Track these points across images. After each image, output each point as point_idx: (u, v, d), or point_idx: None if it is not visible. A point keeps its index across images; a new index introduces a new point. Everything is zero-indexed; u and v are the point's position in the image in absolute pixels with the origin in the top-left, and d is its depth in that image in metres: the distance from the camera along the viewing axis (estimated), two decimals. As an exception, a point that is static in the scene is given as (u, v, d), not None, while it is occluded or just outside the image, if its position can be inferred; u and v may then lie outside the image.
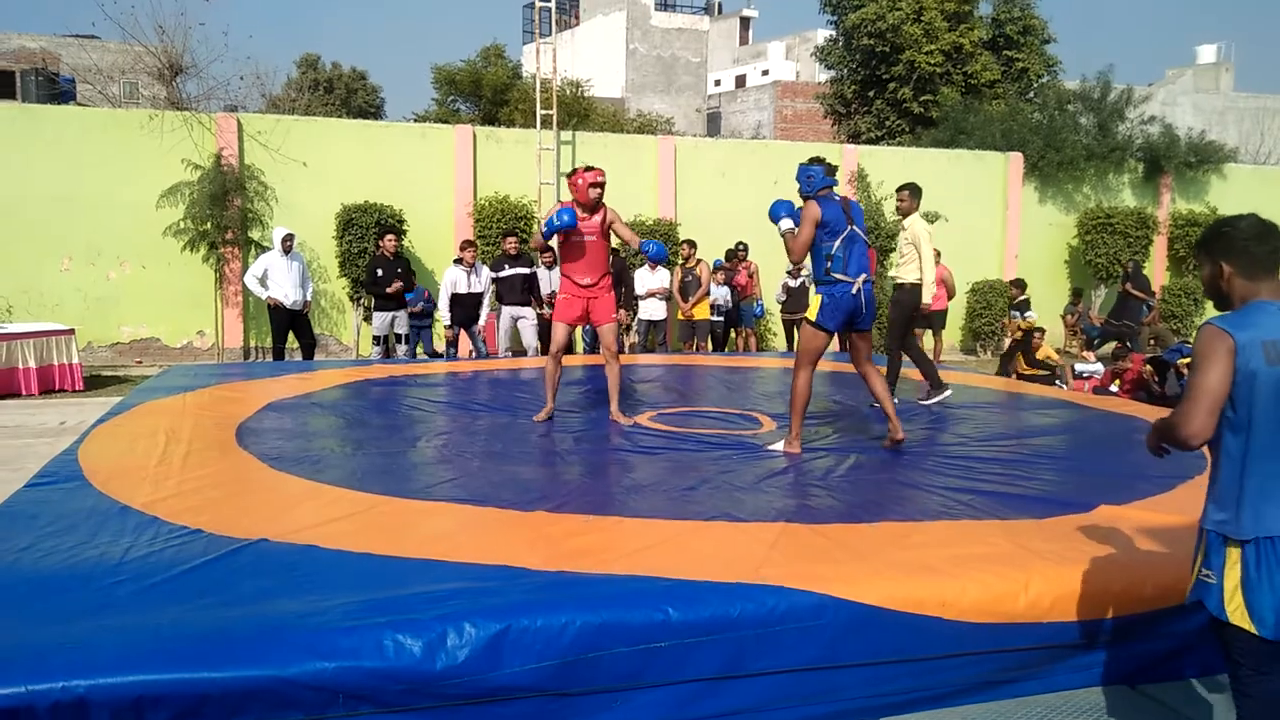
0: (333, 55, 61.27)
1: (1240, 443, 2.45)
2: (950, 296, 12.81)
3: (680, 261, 12.00)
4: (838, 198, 5.54)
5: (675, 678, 2.93)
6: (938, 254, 12.77)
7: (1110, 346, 13.23)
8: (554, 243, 7.01)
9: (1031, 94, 20.67)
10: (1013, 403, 7.73)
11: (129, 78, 21.39)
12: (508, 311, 10.52)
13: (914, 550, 3.54)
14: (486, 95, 26.26)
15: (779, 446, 5.53)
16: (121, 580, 3.14)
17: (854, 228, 5.46)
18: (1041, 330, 11.34)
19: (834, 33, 23.12)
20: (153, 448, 5.19)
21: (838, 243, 5.38)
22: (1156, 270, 16.58)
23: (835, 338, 5.83)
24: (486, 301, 10.36)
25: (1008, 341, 12.61)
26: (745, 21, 46.22)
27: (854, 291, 5.40)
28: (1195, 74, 33.49)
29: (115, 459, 4.94)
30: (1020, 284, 13.12)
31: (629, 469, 5.08)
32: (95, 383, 10.91)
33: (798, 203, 5.62)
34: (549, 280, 10.37)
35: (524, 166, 13.76)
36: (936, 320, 12.29)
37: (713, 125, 36.09)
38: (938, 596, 3.15)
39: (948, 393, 7.31)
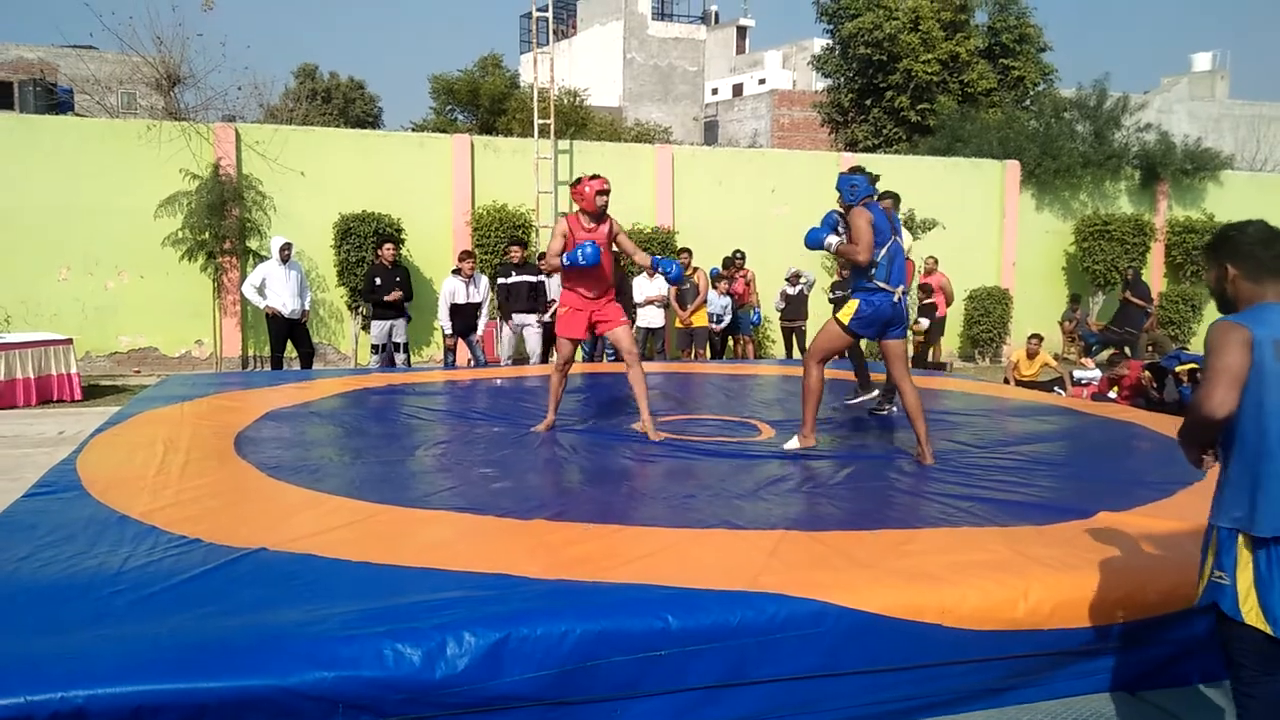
0: (330, 65, 61.45)
1: (1255, 438, 2.45)
2: (949, 303, 12.84)
3: (678, 269, 11.97)
4: (880, 208, 5.51)
5: (675, 686, 2.93)
6: (935, 261, 12.94)
7: (1106, 353, 13.23)
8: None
9: (1028, 102, 20.70)
10: (1011, 410, 7.73)
11: (127, 88, 21.40)
12: (513, 319, 10.49)
13: (914, 557, 3.54)
14: (484, 104, 26.29)
15: (794, 444, 5.54)
16: (120, 590, 3.13)
17: (897, 239, 5.48)
18: (1039, 337, 11.35)
19: (830, 42, 23.18)
20: (151, 457, 5.18)
21: (883, 252, 5.39)
22: (1154, 277, 16.58)
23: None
24: (485, 311, 10.37)
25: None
26: (742, 31, 46.32)
27: (895, 300, 5.43)
28: (1191, 81, 33.61)
29: (114, 468, 4.93)
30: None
31: (628, 477, 5.08)
32: (94, 392, 10.89)
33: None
34: (551, 286, 10.35)
35: (522, 176, 13.77)
36: (935, 327, 12.31)
37: (710, 134, 36.15)
38: (938, 604, 3.15)
39: (875, 394, 7.24)
